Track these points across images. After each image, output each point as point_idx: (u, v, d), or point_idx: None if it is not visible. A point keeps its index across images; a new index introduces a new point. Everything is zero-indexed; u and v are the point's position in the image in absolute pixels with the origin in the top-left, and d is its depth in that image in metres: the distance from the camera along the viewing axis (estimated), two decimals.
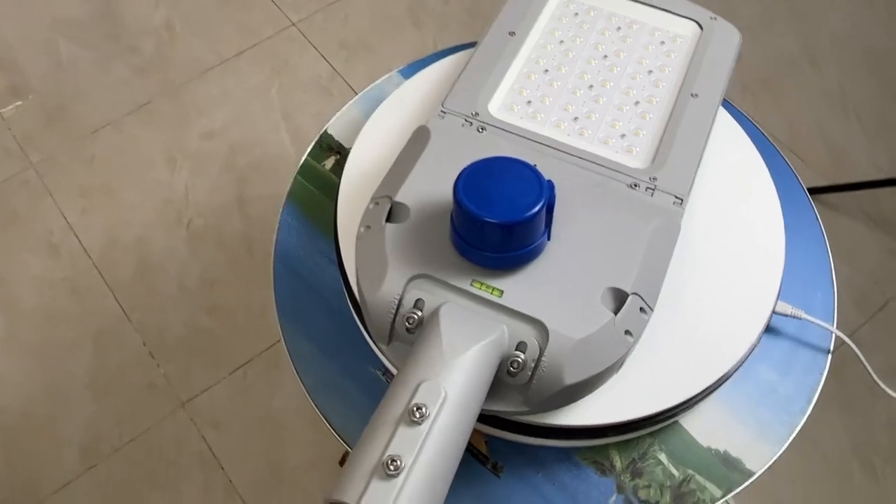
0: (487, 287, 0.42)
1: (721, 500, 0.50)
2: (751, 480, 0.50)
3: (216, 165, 1.23)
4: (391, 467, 0.34)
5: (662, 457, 0.51)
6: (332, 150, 0.64)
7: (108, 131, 1.27)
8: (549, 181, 0.41)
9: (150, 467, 0.99)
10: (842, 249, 1.15)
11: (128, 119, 1.28)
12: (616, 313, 0.42)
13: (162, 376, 1.05)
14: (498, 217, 0.39)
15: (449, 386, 0.37)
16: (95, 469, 0.98)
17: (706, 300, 0.50)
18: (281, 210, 0.61)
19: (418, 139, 0.50)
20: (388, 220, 0.45)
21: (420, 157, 0.47)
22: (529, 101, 0.54)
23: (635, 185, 0.48)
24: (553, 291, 0.42)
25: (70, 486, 0.97)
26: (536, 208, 0.39)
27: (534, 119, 0.53)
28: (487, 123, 0.51)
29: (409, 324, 0.41)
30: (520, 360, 0.40)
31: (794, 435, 0.52)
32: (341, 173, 0.55)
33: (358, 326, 0.55)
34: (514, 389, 0.42)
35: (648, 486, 0.50)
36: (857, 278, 1.13)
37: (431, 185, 0.46)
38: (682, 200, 0.48)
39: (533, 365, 0.40)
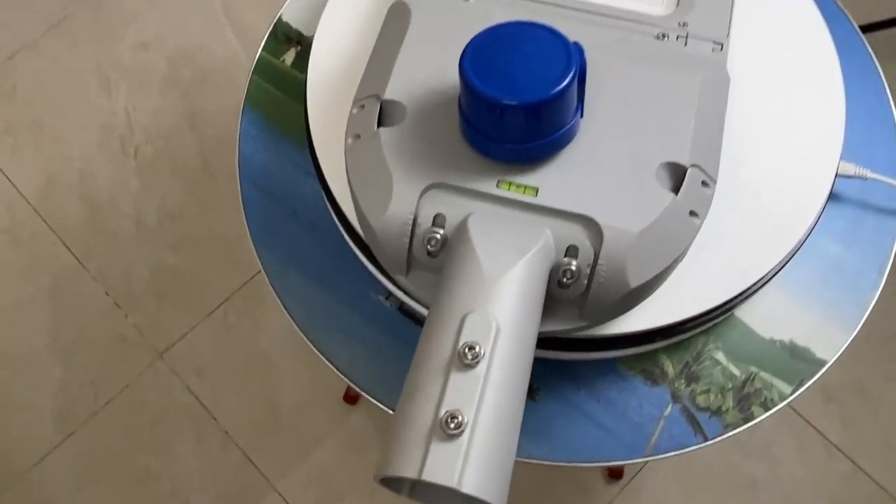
0: (518, 186, 0.38)
1: (792, 397, 0.48)
2: (823, 370, 0.49)
3: (157, 81, 1.18)
4: (451, 425, 0.32)
5: (720, 356, 0.49)
6: (291, 41, 0.59)
7: (25, 56, 1.20)
8: (577, 44, 0.37)
9: (134, 428, 0.98)
10: None
11: (46, 38, 1.20)
12: (676, 192, 0.38)
13: (132, 327, 1.03)
14: (522, 97, 0.35)
15: (499, 314, 0.34)
16: (74, 437, 0.97)
17: (758, 168, 0.47)
18: (240, 119, 0.56)
19: (396, 19, 0.45)
20: (381, 123, 0.41)
21: (403, 40, 0.43)
22: None
23: (663, 36, 0.44)
24: (597, 179, 0.38)
25: (49, 459, 0.96)
26: (567, 80, 0.35)
27: None
28: None
29: (431, 246, 0.38)
30: (572, 267, 0.37)
31: (867, 313, 0.50)
32: (306, 68, 0.50)
33: (350, 247, 0.51)
34: (567, 303, 0.39)
35: (707, 391, 0.48)
36: None
37: (425, 73, 0.42)
38: (721, 45, 0.44)
39: (588, 271, 0.37)
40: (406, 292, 0.41)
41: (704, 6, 0.46)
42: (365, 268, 0.51)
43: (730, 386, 0.48)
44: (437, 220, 0.38)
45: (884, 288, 0.51)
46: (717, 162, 0.41)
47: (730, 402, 0.48)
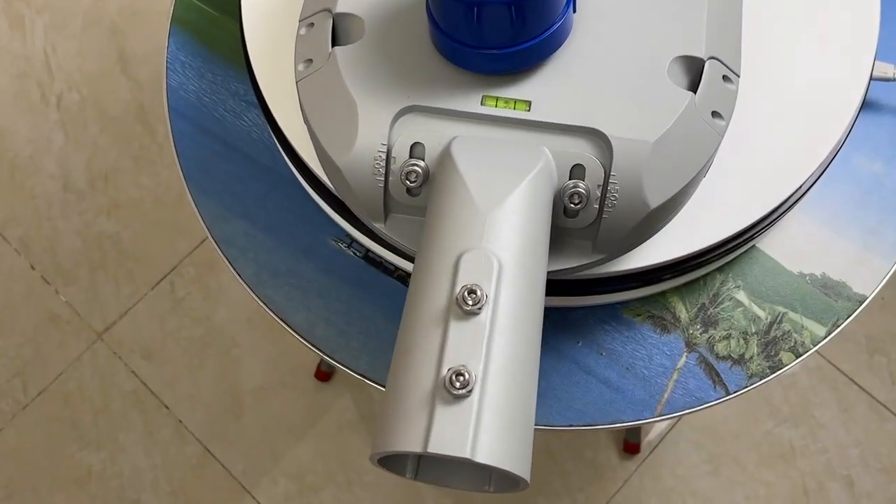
0: (507, 101, 0.37)
1: (826, 339, 0.47)
2: (862, 307, 0.48)
3: (79, 17, 1.16)
4: (457, 384, 0.31)
5: (741, 295, 0.48)
6: None
7: None
8: None
9: (73, 421, 0.98)
10: None
11: None
12: (694, 91, 0.38)
13: (65, 305, 1.02)
14: None
15: (500, 250, 0.34)
16: (1, 436, 0.97)
17: (777, 73, 0.46)
18: (167, 44, 0.55)
19: None
20: (335, 43, 0.40)
21: None
22: None
23: None
24: (599, 84, 0.38)
25: None
26: None
27: None
28: None
29: (410, 182, 0.37)
30: (580, 190, 0.36)
31: None
32: None
33: (303, 187, 0.50)
34: (577, 235, 0.38)
35: (727, 337, 0.48)
36: None
37: None
38: None
39: (599, 193, 0.37)
40: (386, 238, 0.40)
41: None
42: (321, 211, 0.50)
43: (753, 330, 0.48)
44: (416, 151, 0.37)
45: None
46: (738, 52, 0.41)
47: (754, 349, 0.47)
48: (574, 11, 0.38)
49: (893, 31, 0.53)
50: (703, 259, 0.45)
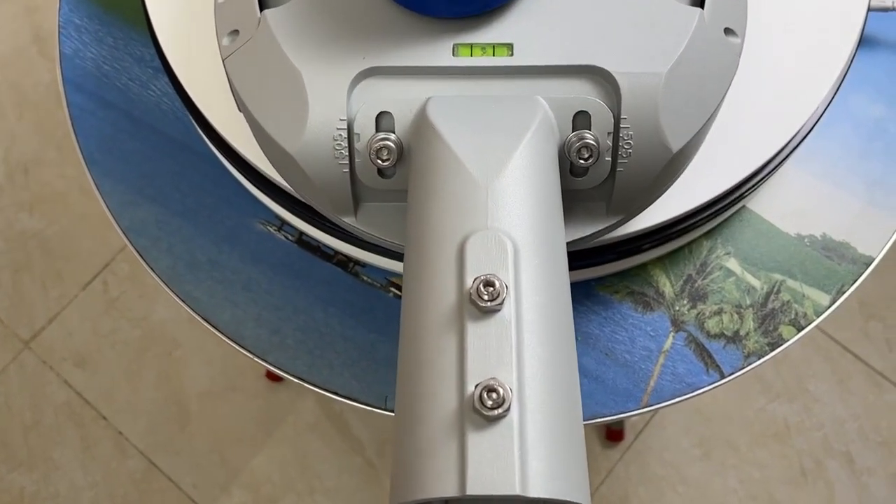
0: (484, 48, 0.33)
1: (831, 308, 0.43)
2: (868, 270, 0.45)
3: None
4: (489, 402, 0.26)
5: (732, 264, 0.45)
6: None
7: None
8: None
9: (1, 438, 0.94)
10: None
11: None
12: (700, 6, 0.34)
13: None
14: None
15: (510, 227, 0.29)
16: None
17: (760, 8, 0.43)
18: (58, 4, 0.49)
19: None
20: (263, 5, 0.35)
21: None
22: None
23: None
24: (591, 11, 0.34)
25: None
26: None
27: None
28: None
29: (381, 160, 0.32)
30: (589, 142, 0.32)
31: None
32: None
33: (222, 164, 0.45)
34: (587, 197, 0.35)
35: (719, 312, 0.44)
36: None
37: None
38: None
39: (610, 143, 0.33)
40: (359, 233, 0.35)
41: None
42: (245, 190, 0.45)
43: (748, 302, 0.44)
44: (383, 122, 0.33)
45: None
46: None
47: (750, 324, 0.43)
48: None
49: None
50: (688, 224, 0.41)
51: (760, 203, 0.45)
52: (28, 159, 1.03)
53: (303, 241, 0.45)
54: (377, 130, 0.32)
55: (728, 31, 0.35)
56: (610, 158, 0.33)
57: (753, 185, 0.42)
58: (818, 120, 0.43)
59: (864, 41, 0.48)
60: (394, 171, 0.33)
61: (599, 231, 0.35)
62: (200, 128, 0.43)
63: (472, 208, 0.29)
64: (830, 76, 0.42)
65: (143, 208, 0.46)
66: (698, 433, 0.89)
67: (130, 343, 0.96)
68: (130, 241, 0.45)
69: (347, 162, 0.33)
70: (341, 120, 0.32)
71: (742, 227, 0.45)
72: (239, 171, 0.42)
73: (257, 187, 0.42)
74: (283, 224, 0.45)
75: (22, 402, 0.94)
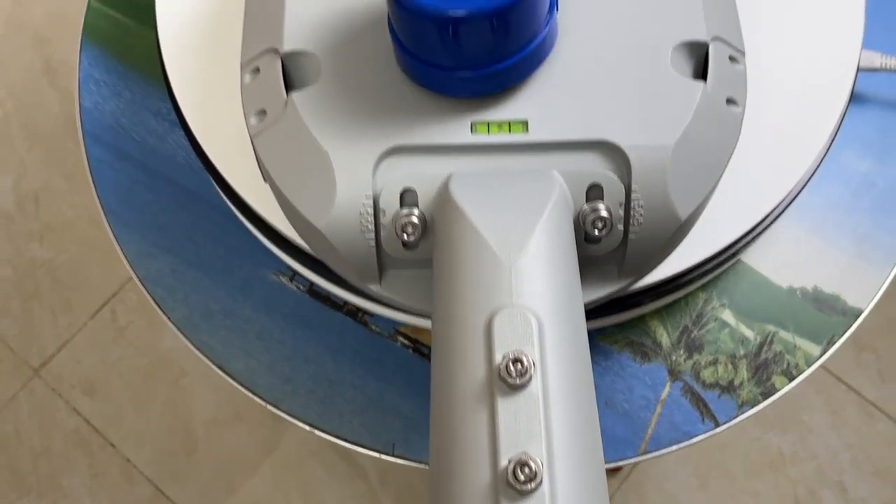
0: (500, 125, 0.34)
1: (822, 359, 0.44)
2: (859, 321, 0.46)
3: None
4: (522, 477, 0.27)
5: (727, 315, 0.46)
6: None
7: None
8: None
9: (10, 466, 0.94)
10: None
11: None
12: (703, 78, 0.35)
13: None
14: (482, 3, 0.30)
15: (534, 304, 0.30)
16: None
17: (757, 63, 0.43)
18: (78, 60, 0.50)
19: None
20: (290, 87, 0.36)
21: None
22: None
23: None
24: (599, 87, 0.35)
25: None
26: None
27: None
28: None
29: (407, 236, 0.33)
30: (602, 213, 0.33)
31: None
32: None
33: (233, 214, 0.46)
34: (600, 261, 0.36)
35: (714, 363, 0.45)
36: None
37: (329, 1, 0.37)
38: None
39: (622, 213, 0.34)
40: (383, 299, 0.37)
41: None
42: (258, 241, 0.47)
43: (742, 353, 0.45)
44: (407, 198, 0.33)
45: None
46: (738, 26, 0.38)
47: (744, 374, 0.45)
48: (557, 10, 0.35)
49: (875, 19, 0.51)
50: (685, 279, 0.42)
51: (754, 256, 0.46)
52: (38, 188, 1.04)
53: (313, 291, 0.46)
54: (402, 206, 0.33)
55: (730, 100, 0.36)
56: (622, 227, 0.34)
57: (749, 241, 0.43)
58: (811, 177, 0.44)
59: (853, 97, 0.49)
60: (418, 243, 0.34)
61: (613, 292, 0.36)
62: (214, 181, 0.45)
63: (496, 286, 0.30)
64: (822, 135, 0.43)
65: (160, 259, 0.47)
66: (696, 464, 0.89)
67: (138, 371, 0.97)
68: (148, 291, 0.47)
69: (373, 236, 0.34)
70: (367, 197, 0.33)
71: (737, 279, 0.46)
72: (251, 223, 0.44)
73: (269, 240, 0.44)
74: (294, 274, 0.47)
75: (31, 429, 0.95)
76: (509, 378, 0.28)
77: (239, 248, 0.47)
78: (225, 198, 0.45)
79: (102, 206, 0.48)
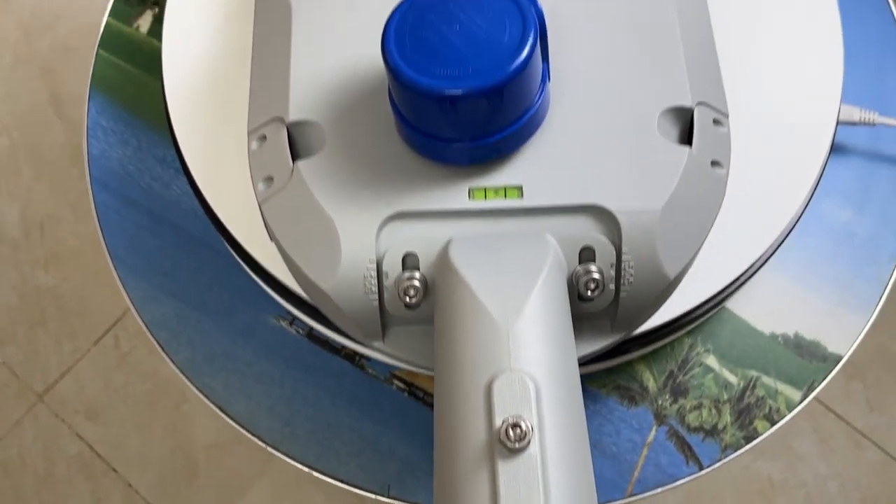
0: (496, 191, 0.35)
1: (802, 405, 0.45)
2: (839, 367, 0.47)
3: (7, 55, 1.13)
4: None
5: (711, 361, 0.47)
6: (146, 2, 0.54)
7: None
8: None
9: (13, 489, 0.94)
10: None
11: None
12: (689, 143, 0.36)
13: (1, 366, 0.99)
14: (476, 80, 0.31)
15: (531, 368, 0.31)
16: None
17: (740, 118, 0.44)
18: (86, 108, 0.52)
19: (271, 8, 0.41)
20: (295, 155, 0.37)
21: (291, 35, 0.39)
22: None
23: None
24: (589, 154, 0.36)
25: None
26: (528, 45, 0.32)
27: None
28: None
29: (409, 298, 0.34)
30: (594, 276, 0.35)
31: (886, 291, 0.48)
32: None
33: (236, 260, 0.47)
34: (593, 317, 0.37)
35: (699, 407, 0.46)
36: None
37: (333, 72, 0.38)
38: None
39: (613, 273, 0.35)
40: (385, 356, 0.38)
41: None
42: (259, 286, 0.48)
43: (726, 397, 0.46)
44: (409, 261, 0.35)
45: None
46: (721, 90, 0.39)
47: (727, 418, 0.46)
48: (549, 80, 0.36)
49: (855, 74, 0.52)
50: (671, 327, 0.43)
51: (738, 303, 0.48)
52: (43, 217, 1.04)
53: (312, 335, 0.47)
54: (404, 269, 0.34)
55: (714, 163, 0.37)
56: (613, 287, 0.35)
57: (731, 291, 0.44)
58: (793, 227, 0.45)
59: (834, 148, 0.51)
60: (420, 304, 0.35)
61: (606, 346, 0.37)
62: (216, 229, 0.46)
63: (495, 350, 0.31)
64: (804, 188, 0.44)
65: (164, 303, 0.48)
66: (685, 492, 0.90)
67: (140, 396, 0.97)
68: (152, 334, 0.48)
69: (377, 297, 0.35)
70: (371, 261, 0.34)
71: (721, 325, 0.47)
72: (252, 271, 0.45)
73: (270, 287, 0.45)
74: (294, 318, 0.48)
75: (35, 454, 0.95)
76: (509, 442, 0.29)
77: (241, 292, 0.48)
78: (228, 246, 0.46)
79: (109, 252, 0.49)
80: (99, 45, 0.53)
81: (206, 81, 0.46)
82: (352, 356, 0.47)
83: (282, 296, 0.44)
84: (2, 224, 1.04)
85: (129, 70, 0.53)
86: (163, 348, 0.47)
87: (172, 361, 0.47)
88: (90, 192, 0.51)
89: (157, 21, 0.54)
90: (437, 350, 0.33)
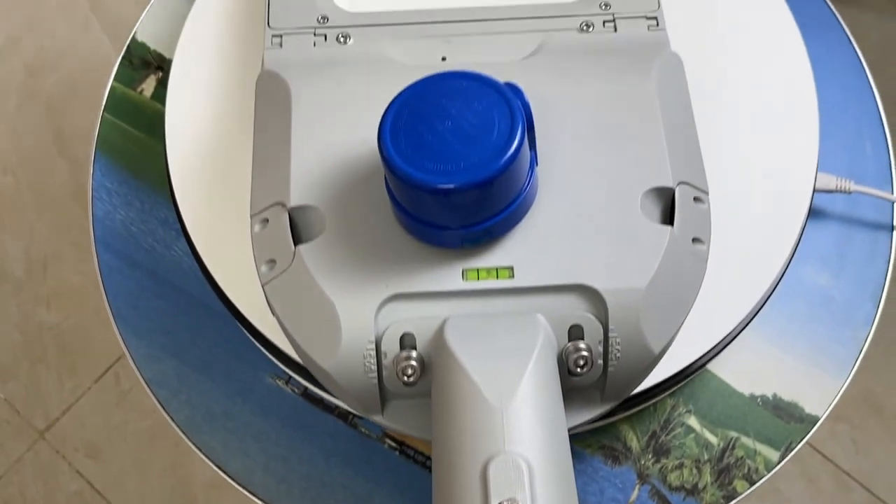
0: (488, 271, 0.37)
1: (780, 465, 0.47)
2: (815, 428, 0.48)
3: (12, 95, 1.15)
4: None
5: (692, 421, 0.48)
6: (150, 66, 0.56)
7: None
8: (511, 85, 0.36)
9: None
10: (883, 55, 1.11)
11: None
12: (671, 222, 0.38)
13: (3, 402, 1.00)
14: (469, 175, 0.33)
15: (524, 450, 0.32)
16: None
17: (718, 187, 0.45)
18: (91, 170, 0.53)
19: (272, 97, 0.43)
20: (297, 238, 0.38)
21: (291, 123, 0.40)
22: None
23: (588, 26, 0.44)
24: (577, 234, 0.37)
25: None
26: (517, 139, 0.33)
27: None
28: (347, 26, 0.44)
29: (407, 378, 0.36)
30: (583, 353, 0.36)
31: (862, 354, 0.50)
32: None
33: (233, 321, 0.49)
34: (585, 391, 0.38)
35: (680, 466, 0.47)
36: None
37: (332, 158, 0.40)
38: (656, 19, 0.44)
39: (601, 349, 0.36)
40: (384, 426, 0.39)
41: None
42: (253, 347, 0.49)
43: (706, 457, 0.47)
44: (406, 341, 0.36)
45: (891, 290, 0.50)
46: (702, 168, 0.41)
47: (707, 478, 0.47)
48: (537, 165, 0.38)
49: (834, 137, 0.54)
50: (655, 390, 0.44)
51: (718, 364, 0.49)
52: (47, 255, 1.05)
53: (307, 394, 0.49)
54: (401, 348, 0.36)
55: (696, 239, 0.39)
56: (602, 362, 0.37)
57: (712, 356, 0.44)
58: (772, 292, 0.46)
59: (812, 213, 0.52)
60: (417, 381, 0.36)
61: (596, 416, 0.39)
62: (214, 291, 0.47)
63: (490, 432, 0.33)
64: (782, 254, 0.45)
65: (165, 363, 0.49)
66: None
67: (140, 434, 0.97)
68: (153, 392, 0.49)
69: (376, 376, 0.36)
70: (370, 342, 0.36)
71: (702, 386, 0.49)
72: (249, 333, 0.46)
73: (268, 352, 0.46)
74: (289, 378, 0.49)
75: (35, 491, 0.96)
76: None
77: (239, 352, 0.49)
78: (226, 308, 0.47)
79: (112, 312, 0.51)
80: (104, 109, 0.55)
81: (207, 147, 0.47)
82: (345, 415, 0.48)
83: (277, 357, 0.46)
84: (5, 262, 1.05)
85: (133, 133, 0.54)
86: (163, 406, 0.49)
87: (172, 419, 0.48)
88: (94, 252, 0.52)
89: (161, 85, 0.55)
90: (435, 428, 0.35)
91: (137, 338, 0.50)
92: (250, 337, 0.47)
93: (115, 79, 0.56)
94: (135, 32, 0.57)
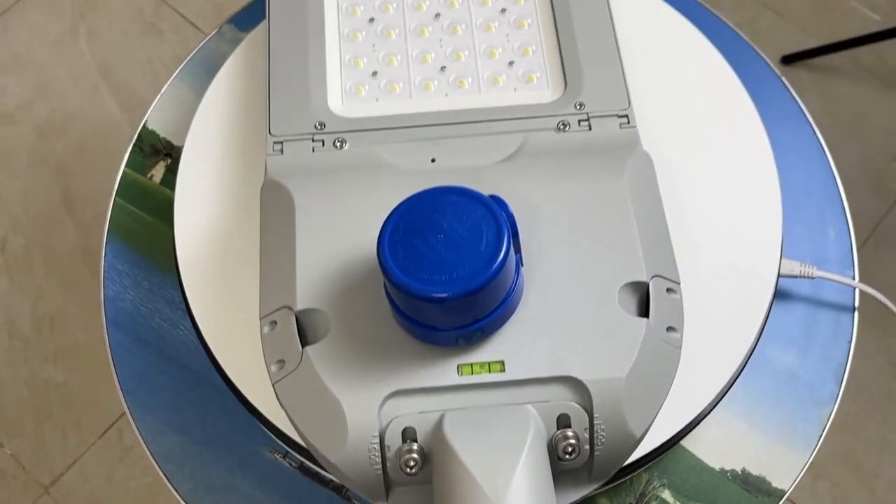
0: (481, 366, 0.40)
1: None
2: (781, 502, 0.50)
3: (23, 157, 1.17)
4: None
5: (666, 495, 0.50)
6: (160, 153, 0.59)
7: None
8: (496, 198, 0.39)
9: None
10: (846, 120, 1.14)
11: None
12: (646, 314, 0.41)
13: (9, 458, 1.01)
14: (461, 285, 0.36)
15: None
16: None
17: (687, 275, 0.48)
18: (103, 252, 0.56)
19: (277, 204, 0.45)
20: (303, 340, 0.41)
21: (296, 231, 0.43)
22: (375, 72, 0.50)
23: (564, 126, 0.47)
24: (561, 330, 0.40)
25: None
26: (504, 249, 0.37)
27: (392, 92, 0.49)
28: (343, 131, 0.47)
29: (409, 469, 0.39)
30: (571, 441, 0.39)
31: (826, 429, 0.51)
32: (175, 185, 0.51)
33: (234, 397, 0.51)
34: (574, 472, 0.41)
35: None
36: (870, 152, 1.12)
37: (336, 264, 0.42)
38: (627, 117, 0.47)
39: (587, 435, 0.39)
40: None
41: (594, 78, 0.48)
42: (254, 423, 0.51)
43: None
44: (408, 434, 0.39)
45: (861, 346, 0.53)
46: (673, 260, 0.43)
47: None
48: (522, 266, 0.41)
49: (798, 222, 0.56)
50: (632, 466, 0.46)
51: (690, 440, 0.51)
52: (54, 313, 1.07)
53: (304, 467, 0.51)
54: (403, 441, 0.39)
55: (670, 328, 0.41)
56: (588, 447, 0.39)
57: (687, 430, 0.46)
58: (740, 372, 0.48)
59: (778, 295, 0.54)
60: (419, 472, 0.39)
61: (586, 495, 0.41)
62: (216, 370, 0.48)
63: None
64: (748, 337, 0.47)
65: (170, 438, 0.52)
66: None
67: (142, 489, 0.98)
68: (159, 466, 0.51)
69: (380, 467, 0.39)
70: (374, 436, 0.38)
71: (675, 461, 0.50)
72: (248, 410, 0.48)
73: (263, 425, 0.48)
74: (287, 452, 0.52)
75: None
76: None
77: (240, 427, 0.52)
78: (226, 385, 0.50)
79: (121, 388, 0.53)
80: (115, 193, 0.58)
81: (213, 239, 0.50)
82: (339, 488, 0.51)
83: (274, 434, 0.48)
84: (15, 320, 1.07)
85: (143, 217, 0.57)
86: (168, 479, 0.51)
87: (176, 492, 0.51)
88: (105, 331, 0.54)
89: (171, 171, 0.58)
90: None
91: (144, 412, 0.52)
92: (249, 414, 0.49)
93: (126, 165, 0.59)
94: (145, 121, 0.60)
